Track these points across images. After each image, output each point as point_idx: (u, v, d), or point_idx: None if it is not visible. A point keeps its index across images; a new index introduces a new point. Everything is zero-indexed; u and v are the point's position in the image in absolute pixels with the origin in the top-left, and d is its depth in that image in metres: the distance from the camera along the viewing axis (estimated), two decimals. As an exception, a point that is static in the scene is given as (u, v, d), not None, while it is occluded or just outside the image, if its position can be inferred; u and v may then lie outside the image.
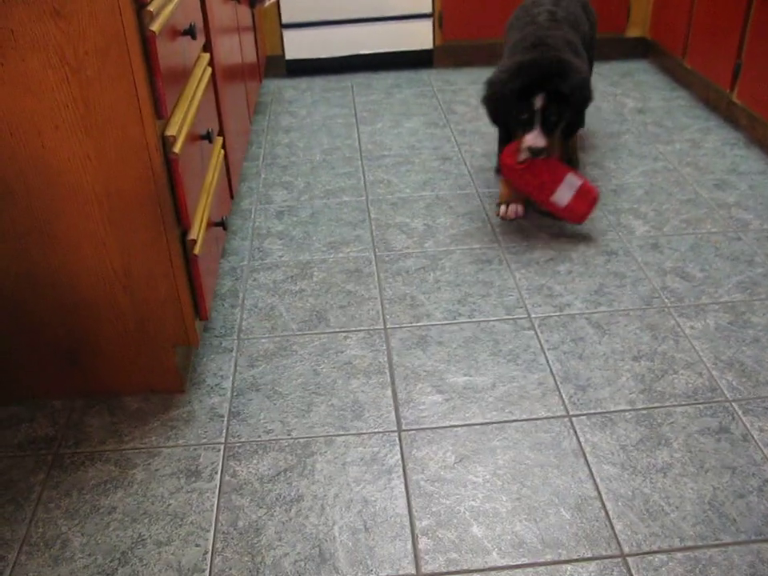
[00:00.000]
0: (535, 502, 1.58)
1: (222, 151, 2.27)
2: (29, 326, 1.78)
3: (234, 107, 2.63)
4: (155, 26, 1.55)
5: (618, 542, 1.49)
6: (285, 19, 3.87)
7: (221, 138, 2.30)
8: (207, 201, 1.94)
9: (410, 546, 1.50)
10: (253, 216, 2.69)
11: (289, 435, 1.77)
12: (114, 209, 1.63)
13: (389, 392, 1.88)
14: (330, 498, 1.61)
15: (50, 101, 1.51)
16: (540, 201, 2.48)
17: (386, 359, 1.99)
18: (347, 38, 3.95)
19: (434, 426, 1.78)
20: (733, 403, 1.81)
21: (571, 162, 2.82)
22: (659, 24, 3.83)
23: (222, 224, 2.07)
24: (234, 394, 1.90)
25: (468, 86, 3.81)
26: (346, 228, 2.60)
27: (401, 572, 1.45)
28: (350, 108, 3.60)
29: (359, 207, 2.72)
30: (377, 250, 2.46)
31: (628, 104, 3.51)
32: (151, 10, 1.53)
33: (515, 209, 2.60)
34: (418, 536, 1.52)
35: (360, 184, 2.88)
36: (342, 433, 1.77)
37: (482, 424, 1.78)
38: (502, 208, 2.61)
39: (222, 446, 1.75)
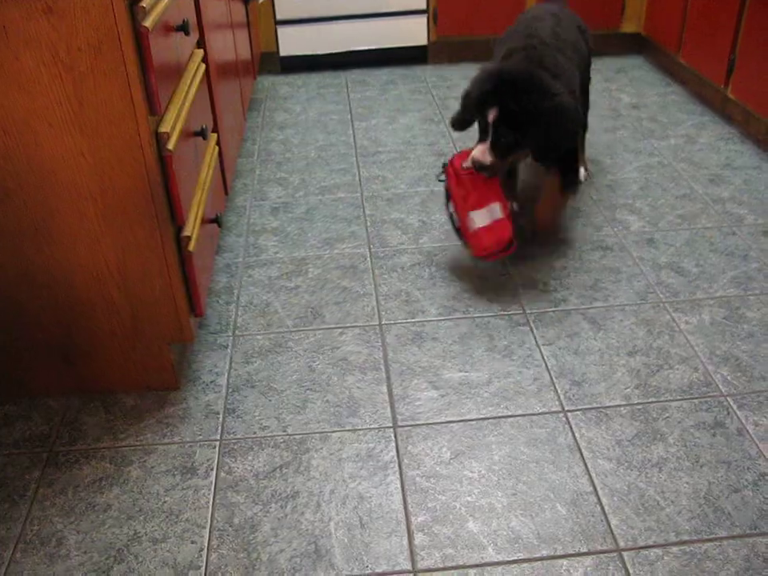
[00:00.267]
0: (531, 498, 1.58)
1: (217, 148, 2.27)
2: (23, 324, 1.78)
3: (229, 104, 2.62)
4: (148, 22, 1.54)
5: (614, 537, 1.49)
6: (279, 16, 3.86)
7: (215, 135, 2.29)
8: (202, 197, 1.94)
9: (405, 541, 1.50)
10: (247, 212, 2.69)
11: (284, 432, 1.77)
12: (108, 206, 1.63)
13: (384, 388, 1.88)
14: (326, 494, 1.61)
15: (43, 98, 1.51)
16: (459, 215, 2.25)
17: (381, 355, 1.99)
18: (342, 34, 3.95)
19: (429, 421, 1.78)
20: (728, 398, 1.81)
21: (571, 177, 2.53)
22: (653, 20, 3.83)
23: (217, 221, 2.07)
24: (230, 390, 1.89)
25: (462, 81, 3.80)
26: (341, 224, 2.59)
27: (397, 568, 1.46)
28: (344, 104, 3.60)
29: (354, 203, 2.72)
30: (372, 246, 2.46)
31: (623, 99, 3.51)
32: (144, 6, 1.53)
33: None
34: (413, 532, 1.52)
35: (355, 180, 2.88)
36: (338, 429, 1.77)
37: (477, 420, 1.78)
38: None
39: (218, 443, 1.75)
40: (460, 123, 2.35)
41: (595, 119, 3.29)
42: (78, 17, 1.44)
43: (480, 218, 2.17)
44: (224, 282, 2.31)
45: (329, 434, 1.75)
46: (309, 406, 1.84)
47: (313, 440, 1.75)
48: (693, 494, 1.57)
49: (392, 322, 2.11)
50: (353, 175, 2.92)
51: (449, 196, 2.29)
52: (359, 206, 2.70)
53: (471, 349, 1.99)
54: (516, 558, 1.46)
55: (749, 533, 1.49)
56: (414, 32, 3.98)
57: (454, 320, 2.10)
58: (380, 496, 1.60)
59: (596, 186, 2.76)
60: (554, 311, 2.12)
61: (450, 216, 2.29)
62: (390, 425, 1.77)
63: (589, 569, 1.43)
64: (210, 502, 1.61)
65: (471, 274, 2.28)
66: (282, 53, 3.98)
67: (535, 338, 2.02)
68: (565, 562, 1.45)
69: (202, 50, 2.18)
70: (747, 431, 1.72)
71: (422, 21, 3.94)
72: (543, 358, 1.95)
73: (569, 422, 1.76)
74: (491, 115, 2.09)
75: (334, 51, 4.00)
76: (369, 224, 2.59)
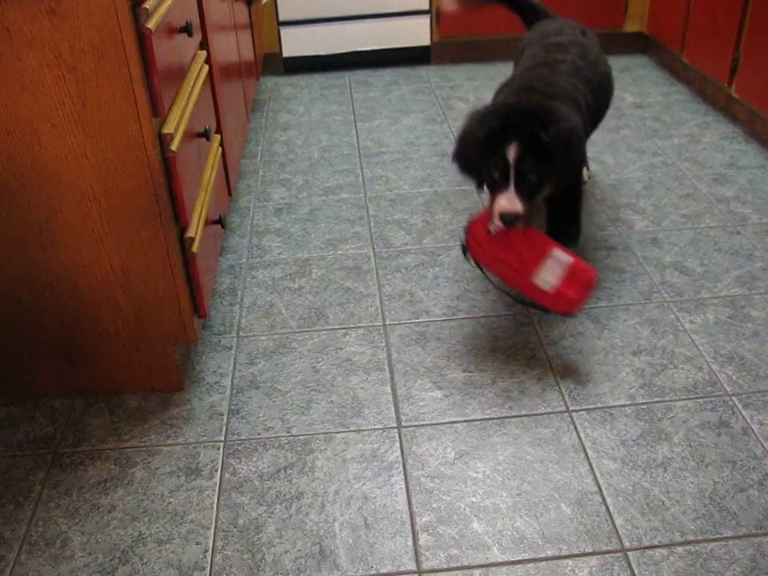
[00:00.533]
0: (535, 498, 1.58)
1: (220, 149, 2.27)
2: (27, 326, 1.78)
3: (232, 105, 2.62)
4: (151, 24, 1.54)
5: (619, 537, 1.49)
6: (282, 16, 3.87)
7: (218, 136, 2.29)
8: (205, 198, 1.94)
9: (410, 542, 1.50)
10: (251, 213, 2.69)
11: (288, 432, 1.77)
12: (112, 207, 1.63)
13: (388, 388, 1.88)
14: (330, 494, 1.61)
15: (46, 99, 1.51)
16: (518, 285, 1.92)
17: (385, 356, 1.99)
18: (345, 35, 3.95)
19: (433, 422, 1.77)
20: (733, 397, 1.80)
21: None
22: (657, 19, 3.82)
23: (221, 222, 2.07)
24: (234, 391, 1.89)
25: (465, 82, 3.80)
26: (344, 225, 2.59)
27: (401, 568, 1.45)
28: (347, 105, 3.60)
29: (358, 204, 2.72)
30: (375, 246, 2.46)
31: (626, 99, 3.51)
32: (147, 7, 1.53)
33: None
34: (418, 532, 1.52)
35: (358, 181, 2.88)
36: (342, 430, 1.76)
37: (481, 420, 1.77)
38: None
39: (222, 444, 1.75)
40: (472, 168, 1.99)
41: (599, 119, 3.29)
42: (81, 18, 1.44)
43: (550, 275, 1.85)
44: (228, 283, 2.31)
45: (333, 434, 1.75)
46: (313, 407, 1.84)
47: (317, 441, 1.74)
48: (698, 494, 1.57)
49: (396, 322, 2.11)
50: (356, 176, 2.92)
51: (486, 272, 2.04)
52: (363, 207, 2.70)
53: (475, 349, 1.99)
54: (521, 558, 1.46)
55: (754, 532, 1.49)
56: (417, 32, 3.98)
57: (457, 320, 2.10)
58: (384, 496, 1.60)
59: (600, 186, 2.76)
60: (558, 311, 2.11)
61: (505, 289, 2.07)
62: (395, 425, 1.77)
63: (594, 569, 1.43)
64: (215, 503, 1.61)
65: (475, 274, 2.28)
66: (285, 54, 3.98)
67: (539, 338, 2.02)
68: (570, 562, 1.45)
69: (205, 52, 2.18)
70: (752, 430, 1.71)
71: (424, 21, 3.94)
72: (547, 357, 1.95)
73: (573, 422, 1.76)
74: (512, 153, 1.82)
75: (336, 52, 4.00)
76: (372, 224, 2.59)
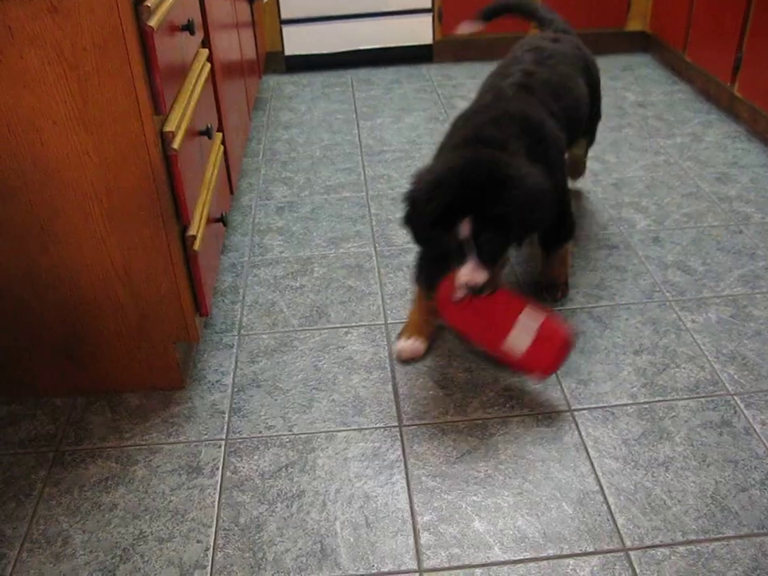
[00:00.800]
0: (537, 497, 1.58)
1: (222, 147, 2.27)
2: (29, 324, 1.78)
3: (234, 103, 2.62)
4: (153, 22, 1.54)
5: (621, 536, 1.49)
6: (284, 15, 3.87)
7: (220, 134, 2.29)
8: (207, 197, 1.94)
9: (411, 541, 1.50)
10: (253, 212, 2.69)
11: (290, 431, 1.77)
12: (114, 205, 1.63)
13: (390, 387, 1.87)
14: (332, 493, 1.61)
15: (48, 97, 1.51)
16: (490, 349, 1.87)
17: (386, 354, 1.98)
18: (347, 33, 3.94)
19: (435, 421, 1.77)
20: (735, 397, 1.80)
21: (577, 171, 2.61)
22: (659, 17, 3.82)
23: (222, 220, 2.06)
24: (235, 390, 1.89)
25: (468, 80, 3.80)
26: (346, 224, 2.59)
27: (403, 567, 1.45)
28: (349, 104, 3.60)
29: (359, 203, 2.72)
30: (377, 245, 2.46)
31: (628, 98, 3.50)
32: (149, 5, 1.53)
33: (414, 347, 1.96)
34: (419, 531, 1.52)
35: (360, 179, 2.87)
36: (344, 428, 1.76)
37: (483, 419, 1.77)
38: (401, 342, 1.97)
39: (223, 442, 1.75)
40: (425, 240, 1.84)
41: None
42: (83, 16, 1.44)
43: (520, 341, 1.79)
44: (229, 282, 2.31)
45: (334, 433, 1.75)
46: (314, 406, 1.83)
47: (318, 439, 1.74)
48: (700, 494, 1.57)
49: (398, 321, 2.10)
50: (358, 174, 2.91)
51: (458, 332, 1.96)
52: (364, 206, 2.70)
53: (477, 349, 1.99)
54: (522, 557, 1.46)
55: (756, 532, 1.48)
56: (419, 31, 3.98)
57: (459, 319, 2.10)
58: (386, 495, 1.60)
59: (602, 185, 2.75)
60: (559, 309, 2.11)
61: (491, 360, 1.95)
62: (396, 424, 1.77)
63: (595, 568, 1.43)
64: (216, 502, 1.61)
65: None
66: (287, 52, 3.98)
67: (541, 337, 2.01)
68: (571, 561, 1.45)
69: (207, 50, 2.18)
70: (754, 430, 1.71)
71: (427, 20, 3.93)
72: (549, 356, 1.95)
73: (575, 421, 1.75)
74: (465, 229, 1.67)
75: (339, 50, 4.00)
76: (374, 223, 2.59)
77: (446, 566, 1.45)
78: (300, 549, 1.50)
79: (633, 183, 2.76)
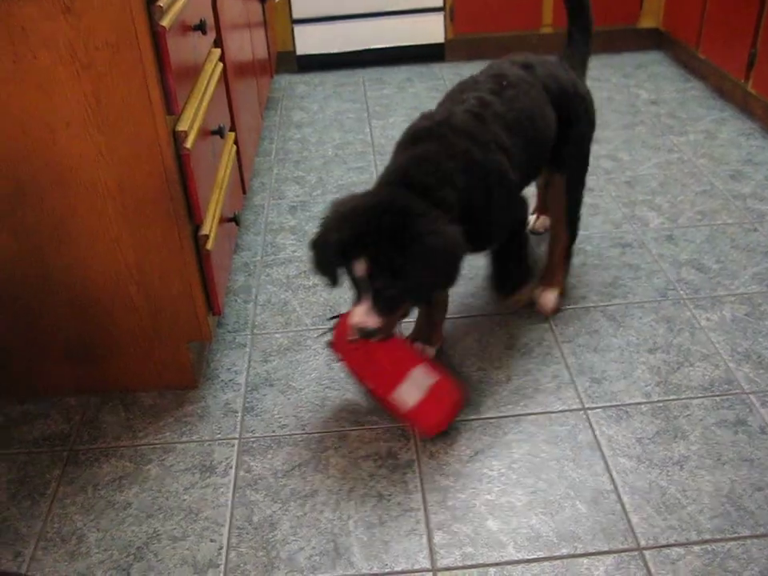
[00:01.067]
0: (551, 496, 1.57)
1: (234, 146, 2.27)
2: (43, 324, 1.78)
3: (246, 103, 2.63)
4: (165, 22, 1.54)
5: (635, 536, 1.48)
6: (296, 14, 3.87)
7: (233, 134, 2.29)
8: (219, 196, 1.94)
9: (425, 540, 1.50)
10: (265, 211, 2.69)
11: (303, 430, 1.77)
12: (127, 205, 1.63)
13: (403, 386, 1.87)
14: (345, 492, 1.61)
15: (61, 97, 1.51)
16: (379, 394, 1.79)
17: (399, 353, 1.98)
18: (359, 32, 3.94)
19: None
20: (750, 395, 1.79)
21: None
22: (672, 14, 3.80)
23: (235, 219, 2.07)
24: (248, 389, 1.89)
25: (480, 79, 3.78)
26: (358, 223, 2.58)
27: (416, 566, 1.45)
28: (362, 103, 3.60)
29: (372, 202, 2.71)
30: (390, 244, 2.45)
31: (641, 95, 3.49)
32: (161, 5, 1.53)
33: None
34: (433, 530, 1.52)
35: (373, 179, 2.87)
36: (357, 427, 1.76)
37: (496, 417, 1.77)
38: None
39: (237, 442, 1.75)
40: (324, 269, 1.73)
41: (613, 115, 3.27)
42: (96, 16, 1.45)
43: (410, 394, 1.71)
44: (242, 281, 2.31)
45: (348, 432, 1.75)
46: (327, 404, 1.83)
47: (331, 438, 1.74)
48: (715, 493, 1.56)
49: (411, 320, 2.10)
50: (370, 174, 2.91)
51: (350, 371, 1.86)
52: (377, 204, 2.69)
53: (490, 346, 1.98)
54: (536, 556, 1.45)
55: (772, 531, 1.47)
56: (431, 30, 3.97)
57: (472, 318, 2.09)
58: (399, 494, 1.59)
59: (614, 183, 2.74)
60: (573, 308, 2.10)
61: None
62: (409, 423, 1.76)
63: (610, 567, 1.42)
64: (229, 501, 1.61)
65: (489, 273, 2.27)
66: (299, 51, 3.98)
67: (554, 336, 2.01)
68: (585, 560, 1.44)
69: (219, 49, 2.18)
70: (770, 429, 1.70)
71: (438, 18, 3.92)
72: (562, 355, 1.94)
73: (589, 420, 1.75)
74: (359, 269, 1.59)
75: (350, 49, 3.99)
76: (386, 222, 2.58)
77: (460, 564, 1.45)
78: (313, 548, 1.50)
79: (646, 181, 2.75)
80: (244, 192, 2.53)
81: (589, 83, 2.20)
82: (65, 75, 1.49)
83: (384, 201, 1.63)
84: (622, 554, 1.45)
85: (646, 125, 3.19)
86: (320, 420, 1.79)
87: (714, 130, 3.10)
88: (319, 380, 1.91)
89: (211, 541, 1.53)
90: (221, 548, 1.51)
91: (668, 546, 1.46)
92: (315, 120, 3.44)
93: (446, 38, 3.99)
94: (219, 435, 1.77)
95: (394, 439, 1.72)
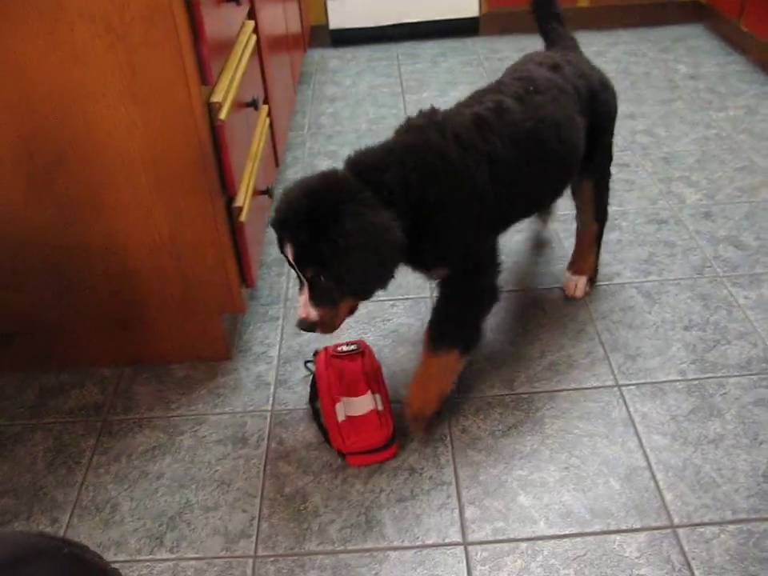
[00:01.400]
0: (584, 472, 1.56)
1: (268, 119, 2.26)
2: (79, 295, 1.80)
3: (279, 76, 2.61)
4: (200, -8, 1.53)
5: (668, 513, 1.47)
6: (329, -12, 3.84)
7: (266, 107, 2.29)
8: (253, 168, 1.94)
9: (456, 514, 1.50)
10: (298, 186, 2.68)
11: (335, 403, 1.77)
12: (161, 176, 1.63)
13: (435, 361, 1.86)
14: (376, 465, 1.61)
15: (97, 68, 1.51)
16: (325, 399, 1.69)
17: (432, 328, 1.97)
18: (392, 6, 3.90)
19: (481, 394, 1.76)
20: (788, 374, 1.76)
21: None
22: (713, -13, 3.72)
23: (268, 192, 2.06)
24: (281, 361, 1.90)
25: (514, 53, 3.74)
26: (391, 197, 2.57)
27: (447, 540, 1.45)
28: (395, 77, 3.57)
29: (405, 176, 2.70)
30: (422, 219, 2.44)
31: (680, 70, 3.42)
32: (196, -25, 1.52)
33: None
34: (464, 505, 1.51)
35: (405, 153, 2.85)
36: (390, 400, 1.76)
37: (529, 393, 1.76)
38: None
39: (269, 414, 1.76)
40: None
41: (650, 90, 3.22)
42: (131, -14, 1.44)
43: (352, 409, 1.66)
44: (275, 254, 2.31)
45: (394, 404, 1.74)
46: (359, 378, 1.83)
47: (363, 412, 1.74)
48: (751, 472, 1.54)
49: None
50: (403, 148, 2.89)
51: (315, 386, 1.77)
52: (410, 179, 2.68)
53: (523, 322, 1.97)
54: (568, 532, 1.45)
55: (809, 511, 1.45)
56: (466, 4, 3.92)
57: (506, 293, 2.07)
58: (431, 468, 1.59)
59: (651, 159, 2.70)
60: (607, 285, 2.08)
61: (316, 411, 1.75)
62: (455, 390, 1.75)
63: (642, 545, 1.41)
64: (261, 472, 1.62)
65: (524, 249, 2.25)
66: (332, 26, 3.95)
67: (589, 312, 1.99)
68: (618, 537, 1.43)
69: (252, 22, 2.17)
70: (808, 408, 1.67)
71: (473, -9, 3.88)
72: (597, 331, 1.92)
73: (623, 396, 1.73)
74: (289, 254, 1.48)
75: (384, 24, 3.96)
76: (419, 197, 2.57)
77: (491, 539, 1.45)
78: (345, 520, 1.50)
79: (683, 157, 2.70)
80: (277, 165, 2.52)
81: (625, 57, 2.15)
82: (100, 46, 1.49)
83: (314, 182, 1.50)
84: (655, 531, 1.44)
85: (683, 100, 3.13)
86: (352, 393, 1.79)
87: (754, 105, 3.03)
88: (351, 354, 1.91)
89: (243, 511, 1.54)
90: (253, 519, 1.52)
91: (702, 524, 1.44)
92: (348, 94, 3.42)
93: (480, 12, 3.95)
94: (251, 407, 1.78)
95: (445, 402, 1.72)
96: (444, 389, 1.66)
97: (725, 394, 1.72)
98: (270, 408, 1.77)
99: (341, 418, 1.64)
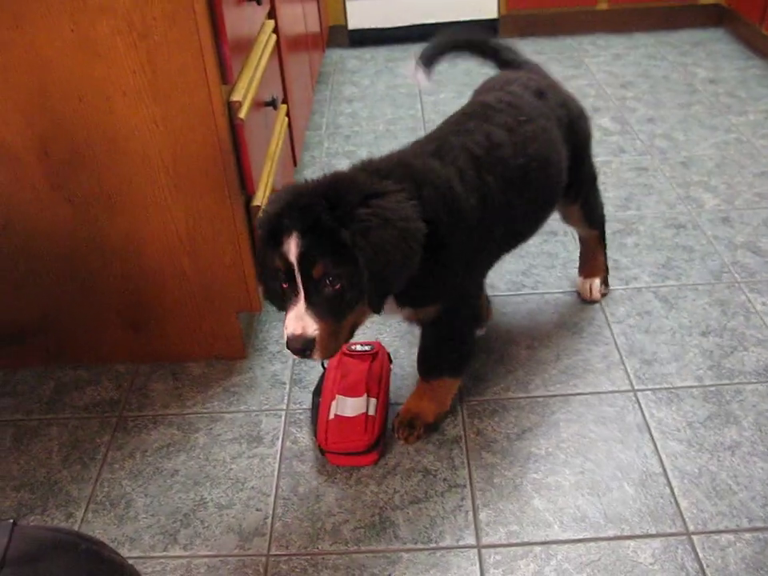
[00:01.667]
0: (598, 476, 1.56)
1: (286, 119, 2.27)
2: (97, 292, 1.80)
3: (298, 76, 2.62)
4: (222, -9, 1.54)
5: (684, 520, 1.46)
6: (348, -12, 3.84)
7: (285, 106, 2.29)
8: (271, 168, 1.94)
9: (470, 516, 1.49)
10: (315, 185, 2.68)
11: (350, 403, 1.77)
12: (180, 174, 1.64)
13: (450, 363, 1.86)
14: (391, 466, 1.61)
15: (118, 67, 1.52)
16: (325, 395, 1.70)
17: (447, 330, 1.97)
18: (411, 7, 3.90)
19: (496, 397, 1.76)
20: (806, 382, 1.75)
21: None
22: (734, -9, 3.70)
23: (286, 192, 2.06)
24: (296, 361, 1.90)
25: (533, 56, 3.69)
26: (408, 198, 2.57)
27: (461, 542, 1.45)
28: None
29: (422, 177, 2.69)
30: (439, 220, 2.44)
31: (699, 74, 3.41)
32: (218, -26, 1.52)
33: None
34: (479, 507, 1.51)
35: (423, 154, 2.85)
36: (402, 402, 1.75)
37: (545, 396, 1.75)
38: None
39: (284, 413, 1.76)
40: (260, 273, 1.45)
41: (669, 94, 3.21)
42: (154, -16, 1.45)
43: (343, 410, 1.65)
44: (291, 254, 2.31)
45: (394, 406, 1.75)
46: (374, 379, 1.83)
47: (378, 412, 1.74)
48: (767, 480, 1.53)
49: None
50: (420, 149, 2.89)
51: (322, 381, 1.76)
52: (427, 180, 2.67)
53: (540, 325, 1.96)
54: (582, 536, 1.44)
55: (826, 520, 1.44)
56: (484, 5, 3.92)
57: (522, 296, 2.07)
58: (445, 470, 1.59)
59: (669, 163, 2.69)
60: (624, 289, 2.07)
61: (314, 406, 1.73)
62: (457, 399, 1.75)
63: (657, 551, 1.41)
64: (276, 471, 1.62)
65: (540, 250, 2.25)
66: (351, 26, 3.95)
67: (605, 316, 1.98)
68: (632, 543, 1.43)
69: (272, 21, 2.17)
70: (826, 416, 1.66)
71: (492, -6, 3.88)
72: (613, 335, 1.91)
73: (638, 402, 1.72)
74: (290, 250, 1.27)
75: (402, 24, 3.96)
76: (436, 198, 2.56)
77: (505, 542, 1.44)
78: (359, 520, 1.50)
79: (702, 162, 2.69)
80: (295, 165, 2.53)
81: (644, 61, 2.14)
82: (122, 45, 1.50)
83: (327, 177, 1.38)
84: (670, 537, 1.43)
85: (703, 104, 3.12)
86: (367, 394, 1.79)
87: (774, 111, 3.02)
88: (366, 354, 1.91)
89: (257, 510, 1.54)
90: (266, 517, 1.52)
91: (717, 531, 1.44)
92: (366, 95, 3.42)
93: (499, 14, 3.94)
94: (267, 406, 1.78)
95: (442, 419, 1.71)
96: (441, 407, 1.68)
97: (742, 400, 1.71)
98: (284, 407, 1.78)
99: (331, 415, 1.64)
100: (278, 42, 2.21)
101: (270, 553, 1.46)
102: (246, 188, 1.74)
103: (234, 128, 1.65)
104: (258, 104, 1.82)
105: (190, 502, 1.57)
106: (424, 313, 1.55)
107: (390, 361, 1.81)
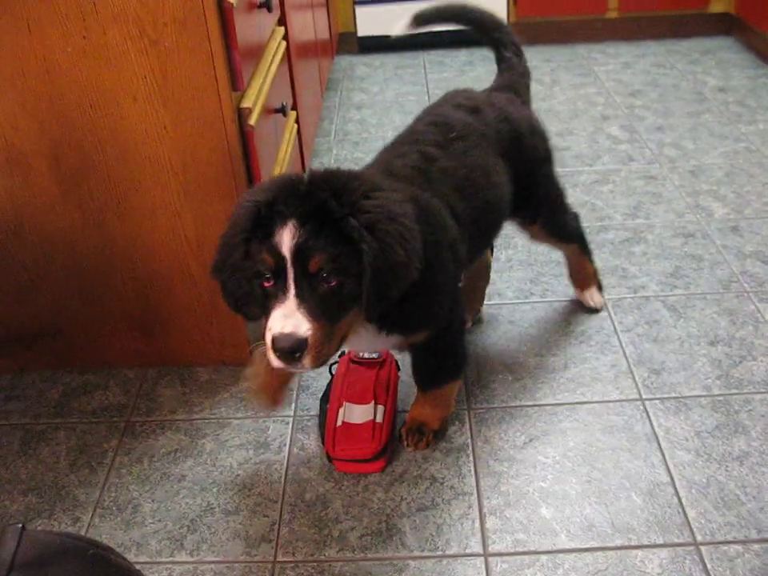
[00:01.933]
0: (606, 486, 1.55)
1: (296, 125, 2.27)
2: (105, 296, 1.81)
3: (307, 82, 2.63)
4: (233, -2, 1.55)
5: (692, 530, 1.45)
6: (358, -5, 3.85)
7: (294, 113, 2.30)
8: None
9: (477, 524, 1.49)
10: (323, 192, 2.69)
11: (357, 410, 1.77)
12: (190, 180, 1.65)
13: (458, 370, 1.86)
14: (398, 474, 1.61)
15: (129, 72, 1.53)
16: (332, 400, 1.70)
17: (455, 337, 1.97)
18: (420, 14, 3.91)
19: (503, 405, 1.76)
20: (815, 392, 1.74)
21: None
22: None
23: (294, 198, 2.07)
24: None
25: (542, 64, 3.73)
26: (416, 205, 2.57)
27: (468, 550, 1.44)
28: (422, 85, 3.58)
29: (430, 185, 2.70)
30: (447, 227, 2.44)
31: (709, 82, 3.40)
32: (229, -19, 1.53)
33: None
34: (485, 515, 1.51)
35: (431, 161, 2.85)
36: (397, 411, 1.75)
37: (552, 405, 1.75)
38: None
39: (291, 419, 1.76)
40: (228, 279, 1.30)
41: (678, 103, 3.20)
42: (165, -9, 1.46)
43: (351, 417, 1.65)
44: (299, 260, 2.31)
45: (401, 413, 1.74)
46: (381, 386, 1.83)
47: (384, 419, 1.74)
48: (776, 490, 1.52)
49: (466, 304, 2.09)
50: (429, 156, 2.89)
51: (330, 388, 1.77)
52: (435, 187, 2.68)
53: (548, 333, 1.96)
54: (589, 546, 1.44)
55: (835, 532, 1.44)
56: (494, 13, 3.91)
57: (530, 303, 2.07)
58: (452, 477, 1.59)
59: (678, 172, 2.68)
60: (632, 297, 2.07)
61: (322, 413, 1.73)
62: (464, 407, 1.75)
63: (664, 561, 1.40)
64: (283, 477, 1.62)
65: (549, 259, 2.24)
66: (360, 33, 3.96)
67: (613, 324, 1.98)
68: (639, 552, 1.42)
69: (282, 28, 2.18)
70: (835, 427, 1.65)
71: (501, 1, 3.87)
72: (621, 344, 1.91)
73: (646, 411, 1.72)
74: (284, 241, 1.18)
75: (412, 32, 3.96)
76: (444, 205, 2.56)
77: (512, 551, 1.44)
78: (365, 527, 1.50)
79: (711, 171, 2.68)
80: (303, 171, 2.53)
81: (653, 69, 2.13)
82: (133, 51, 1.51)
83: (316, 170, 1.30)
84: (678, 548, 1.43)
85: (712, 113, 3.11)
86: (374, 401, 1.79)
87: (783, 120, 3.01)
88: (374, 361, 1.91)
89: (264, 516, 1.54)
90: (273, 523, 1.52)
91: (726, 542, 1.43)
92: (375, 102, 3.43)
93: (509, 21, 3.94)
94: (274, 412, 1.78)
95: (449, 422, 1.71)
96: (445, 410, 1.68)
97: (750, 410, 1.70)
98: (292, 413, 1.78)
99: (338, 422, 1.65)
100: (287, 49, 2.22)
101: (277, 559, 1.45)
102: (255, 194, 1.74)
103: (244, 134, 1.65)
104: (267, 111, 1.82)
105: (196, 508, 1.57)
106: (414, 338, 1.50)
107: (398, 369, 1.81)
